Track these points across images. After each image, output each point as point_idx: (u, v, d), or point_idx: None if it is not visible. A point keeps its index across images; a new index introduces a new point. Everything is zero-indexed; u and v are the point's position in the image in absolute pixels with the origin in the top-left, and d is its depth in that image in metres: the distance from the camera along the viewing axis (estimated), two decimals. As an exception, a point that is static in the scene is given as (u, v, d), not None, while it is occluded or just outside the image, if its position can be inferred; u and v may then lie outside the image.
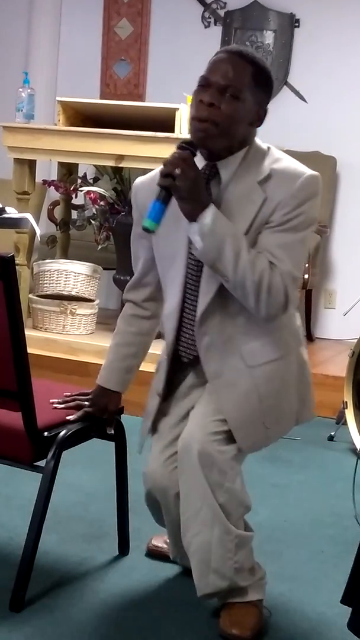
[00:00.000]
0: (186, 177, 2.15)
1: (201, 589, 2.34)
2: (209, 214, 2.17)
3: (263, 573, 2.45)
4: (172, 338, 2.42)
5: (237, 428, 2.31)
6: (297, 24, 6.00)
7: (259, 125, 2.31)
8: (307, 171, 2.26)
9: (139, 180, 2.48)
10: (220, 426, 2.30)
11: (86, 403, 2.54)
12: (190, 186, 2.16)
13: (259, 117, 2.28)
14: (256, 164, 2.27)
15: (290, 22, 5.99)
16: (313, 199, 2.24)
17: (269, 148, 2.33)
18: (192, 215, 2.18)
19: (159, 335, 2.55)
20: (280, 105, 6.04)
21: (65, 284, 4.85)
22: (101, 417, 2.55)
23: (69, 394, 2.60)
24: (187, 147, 2.22)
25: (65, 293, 4.85)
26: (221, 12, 6.17)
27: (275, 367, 2.33)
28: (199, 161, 2.28)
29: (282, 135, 5.53)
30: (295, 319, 2.42)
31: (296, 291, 2.29)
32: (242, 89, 2.21)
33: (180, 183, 2.15)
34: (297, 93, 6.02)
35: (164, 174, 2.17)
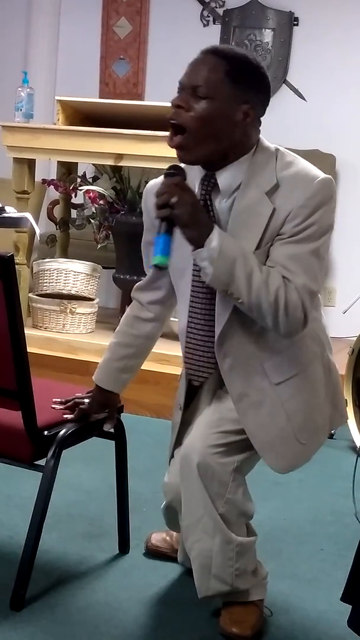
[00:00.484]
0: (184, 203, 2.05)
1: (202, 592, 2.34)
2: (215, 237, 2.06)
3: (265, 573, 2.45)
4: (183, 357, 2.39)
5: (264, 449, 2.28)
6: (296, 23, 6.00)
7: (251, 123, 2.13)
8: (319, 175, 2.11)
9: (150, 184, 2.37)
10: (222, 438, 2.26)
11: (86, 401, 2.54)
12: (190, 211, 2.05)
13: (247, 115, 2.11)
14: (262, 171, 2.14)
15: (289, 21, 5.99)
16: (325, 205, 2.10)
17: (277, 150, 2.20)
18: (199, 241, 2.07)
19: (164, 335, 2.54)
20: (279, 104, 6.04)
21: (65, 283, 4.85)
22: (97, 414, 2.54)
23: (79, 394, 2.60)
24: (174, 172, 2.11)
25: (65, 292, 4.85)
26: (220, 11, 6.17)
27: (301, 379, 2.26)
28: (199, 172, 2.20)
29: (281, 133, 5.53)
30: (317, 323, 2.30)
31: (315, 301, 2.16)
32: (213, 87, 2.06)
33: (180, 210, 2.04)
34: (296, 91, 6.02)
35: (160, 205, 2.06)
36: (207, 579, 2.32)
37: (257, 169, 2.15)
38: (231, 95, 2.08)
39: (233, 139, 2.12)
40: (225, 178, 2.16)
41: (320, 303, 2.31)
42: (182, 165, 2.16)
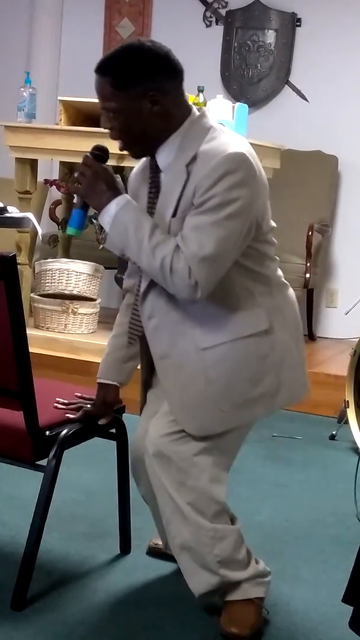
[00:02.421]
0: (83, 176, 2.26)
1: (195, 589, 2.36)
2: (113, 205, 2.23)
3: (262, 570, 2.44)
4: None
5: (178, 410, 2.31)
6: (298, 23, 6.00)
7: (164, 104, 2.19)
8: (229, 149, 2.16)
9: (133, 170, 2.49)
10: (175, 425, 2.31)
11: (88, 405, 2.55)
12: (88, 183, 2.26)
13: (154, 102, 2.19)
14: (191, 147, 2.22)
15: (292, 22, 5.99)
16: (227, 177, 2.13)
17: (211, 127, 2.25)
18: (98, 208, 2.26)
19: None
20: (281, 105, 6.05)
21: (66, 283, 4.85)
22: (101, 414, 2.55)
23: (79, 394, 2.61)
24: (94, 152, 2.30)
25: (66, 292, 4.85)
26: (223, 12, 6.17)
27: (229, 349, 2.27)
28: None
29: (283, 134, 5.54)
30: (270, 299, 2.33)
31: (214, 272, 2.17)
32: (111, 103, 2.21)
33: (80, 183, 2.28)
34: (298, 92, 6.02)
35: (74, 182, 2.23)
36: (195, 574, 2.35)
37: (187, 144, 2.24)
38: (128, 98, 2.20)
39: (157, 127, 2.23)
40: (161, 157, 2.28)
41: (274, 281, 2.35)
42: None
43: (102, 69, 2.22)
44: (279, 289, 2.37)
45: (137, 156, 2.34)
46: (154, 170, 2.32)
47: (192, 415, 2.31)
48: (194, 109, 2.29)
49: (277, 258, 2.40)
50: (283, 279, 2.41)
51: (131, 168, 3.64)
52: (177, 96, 2.24)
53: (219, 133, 2.23)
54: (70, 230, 2.35)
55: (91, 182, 2.26)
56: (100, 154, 2.31)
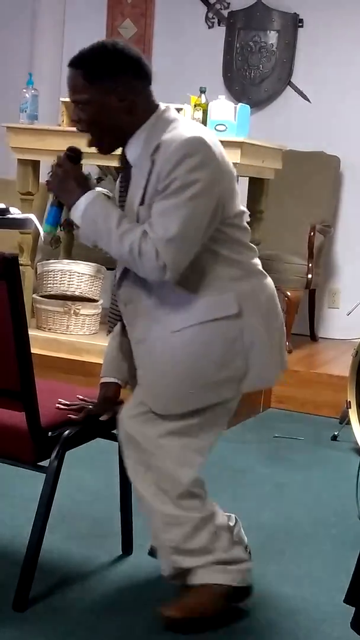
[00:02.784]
0: (54, 175, 2.41)
1: (163, 571, 2.44)
2: (82, 201, 2.34)
3: (234, 557, 2.42)
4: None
5: (145, 390, 2.38)
6: (300, 24, 5.99)
7: (130, 100, 2.30)
8: (186, 134, 2.25)
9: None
10: (143, 407, 2.37)
11: (90, 406, 2.55)
12: (58, 182, 2.40)
13: (122, 99, 2.30)
14: (155, 138, 2.31)
15: (294, 22, 5.99)
16: (186, 160, 2.22)
17: (173, 120, 2.34)
18: (69, 205, 2.38)
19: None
20: (283, 105, 6.05)
21: (69, 284, 4.85)
22: (101, 412, 2.55)
23: (80, 396, 2.61)
24: (67, 153, 2.43)
25: (69, 293, 4.86)
26: (225, 13, 6.17)
27: (197, 331, 2.32)
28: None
29: (285, 135, 5.54)
30: (243, 284, 2.37)
31: (181, 253, 2.23)
32: (82, 95, 2.31)
33: (51, 182, 2.43)
34: (300, 93, 6.02)
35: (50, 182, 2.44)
36: (160, 555, 2.42)
37: (152, 136, 2.32)
38: (98, 91, 2.30)
39: (123, 121, 2.33)
40: (129, 152, 2.38)
41: (249, 267, 2.40)
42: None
43: (76, 62, 2.34)
44: (255, 276, 2.42)
45: (105, 151, 2.42)
46: (124, 165, 2.42)
47: (158, 393, 2.36)
48: (161, 105, 2.38)
49: (254, 246, 2.46)
50: (260, 268, 2.45)
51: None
52: (144, 95, 2.35)
53: (179, 123, 2.33)
54: (46, 228, 2.47)
55: (62, 180, 2.40)
56: (73, 154, 2.43)
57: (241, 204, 2.42)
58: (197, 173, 2.23)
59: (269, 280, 2.48)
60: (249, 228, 2.44)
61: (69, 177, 2.39)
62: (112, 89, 2.30)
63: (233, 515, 2.63)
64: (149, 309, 2.37)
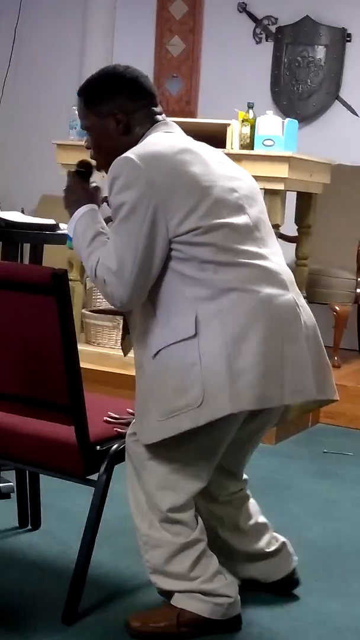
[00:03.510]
0: (65, 190, 2.47)
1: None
2: (76, 215, 2.41)
3: (213, 589, 2.38)
4: None
5: (136, 416, 2.37)
6: (348, 39, 5.98)
7: (127, 123, 2.36)
8: (121, 156, 2.27)
9: None
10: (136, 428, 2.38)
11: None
12: (65, 197, 2.46)
13: (118, 121, 2.37)
14: None
15: (342, 37, 5.98)
16: (114, 183, 2.25)
17: (146, 140, 2.35)
18: (70, 218, 2.45)
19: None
20: (332, 120, 6.04)
21: (117, 299, 4.87)
22: None
23: (130, 410, 2.62)
24: (77, 168, 2.49)
25: (117, 308, 4.88)
26: (272, 28, 6.18)
27: (161, 357, 2.26)
28: None
29: (333, 149, 5.52)
30: (210, 305, 2.22)
31: (124, 281, 2.22)
32: (85, 121, 2.42)
33: (63, 197, 2.48)
34: (348, 107, 6.00)
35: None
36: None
37: None
38: (97, 116, 2.38)
39: (122, 142, 2.37)
40: None
41: (218, 285, 2.22)
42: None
43: (79, 90, 2.44)
44: (231, 292, 2.23)
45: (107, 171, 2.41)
46: None
47: (139, 422, 2.35)
48: (161, 124, 2.41)
49: (240, 260, 2.26)
50: (245, 285, 2.24)
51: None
52: (141, 114, 2.39)
53: (142, 143, 2.33)
54: (68, 244, 2.50)
55: (67, 195, 2.46)
56: (81, 169, 2.49)
57: (227, 217, 2.27)
58: (122, 195, 2.24)
59: (248, 297, 2.24)
60: (215, 243, 2.24)
61: (71, 192, 2.45)
62: (108, 112, 2.37)
63: (282, 539, 2.62)
64: (141, 334, 2.35)
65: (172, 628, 2.38)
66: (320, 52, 6.06)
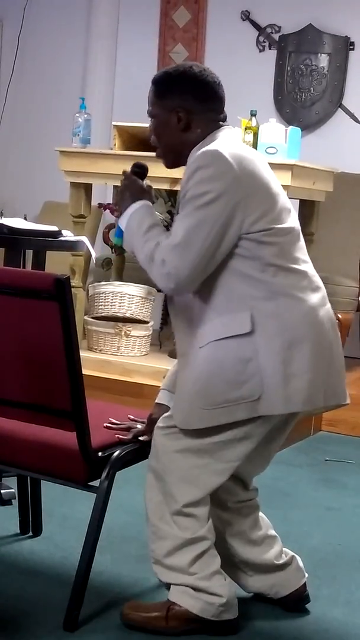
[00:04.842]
0: (119, 190, 2.52)
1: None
2: (130, 210, 2.44)
3: (198, 582, 2.40)
4: None
5: (174, 403, 2.42)
6: (352, 47, 6.00)
7: (188, 122, 2.41)
8: (206, 148, 2.34)
9: None
10: (169, 421, 2.42)
11: (139, 426, 2.57)
12: (120, 193, 2.50)
13: (179, 119, 2.41)
14: None
15: (345, 45, 5.99)
16: (198, 172, 2.30)
17: (216, 137, 2.40)
18: (121, 213, 2.49)
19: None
20: (335, 128, 6.04)
21: (120, 306, 4.88)
22: (146, 432, 2.56)
23: (132, 417, 2.64)
24: (133, 168, 2.55)
25: (119, 315, 4.88)
26: (276, 36, 6.19)
27: (213, 349, 2.33)
28: None
29: (336, 157, 5.53)
30: (268, 304, 2.32)
31: (186, 260, 2.28)
32: (152, 108, 2.47)
33: (117, 195, 2.54)
34: (351, 115, 6.01)
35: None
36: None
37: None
38: (162, 109, 2.44)
39: (180, 139, 2.44)
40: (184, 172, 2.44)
41: (278, 289, 2.32)
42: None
43: (154, 78, 2.50)
44: (285, 297, 2.34)
45: (167, 164, 2.52)
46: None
47: (180, 408, 2.39)
48: (226, 127, 2.45)
49: (297, 268, 2.38)
50: (297, 292, 2.36)
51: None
52: (204, 117, 2.43)
53: (216, 141, 2.37)
54: (116, 241, 2.54)
55: (122, 192, 2.50)
56: (137, 170, 2.54)
57: (289, 223, 2.39)
58: (207, 185, 2.29)
59: (309, 307, 2.37)
60: (288, 249, 2.37)
61: (127, 188, 2.49)
62: (173, 107, 2.41)
63: (291, 553, 2.62)
64: (186, 324, 2.41)
65: (161, 620, 2.42)
66: (323, 61, 6.07)
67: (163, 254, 2.31)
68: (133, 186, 2.50)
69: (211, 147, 2.34)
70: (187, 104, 2.41)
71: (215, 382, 2.33)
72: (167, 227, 4.73)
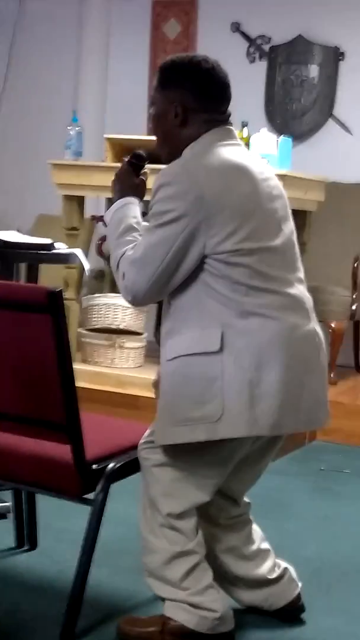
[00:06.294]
0: (113, 180, 2.49)
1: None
2: (115, 205, 2.44)
3: (191, 597, 2.39)
4: None
5: (156, 416, 2.39)
6: (341, 57, 6.02)
7: (184, 119, 2.37)
8: (175, 164, 2.32)
9: None
10: (150, 435, 2.42)
11: None
12: (112, 183, 2.49)
13: (176, 114, 2.37)
14: None
15: (335, 56, 6.02)
16: (161, 189, 2.28)
17: (203, 144, 2.35)
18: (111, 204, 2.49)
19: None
20: (325, 138, 6.07)
21: (113, 318, 4.89)
22: None
23: None
24: (130, 159, 2.51)
25: (113, 327, 4.89)
26: (266, 47, 6.22)
27: (180, 364, 2.30)
28: None
29: (327, 166, 5.55)
30: (239, 323, 2.25)
31: (143, 276, 2.27)
32: (153, 94, 2.44)
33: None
34: (342, 125, 6.03)
35: None
36: None
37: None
38: (162, 96, 2.41)
39: (175, 133, 2.40)
40: None
41: (249, 309, 2.26)
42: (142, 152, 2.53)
43: (161, 65, 2.47)
44: (257, 317, 2.26)
45: (163, 158, 2.45)
46: None
47: (156, 425, 2.39)
48: (216, 130, 2.38)
49: (272, 288, 2.29)
50: (271, 311, 2.27)
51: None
52: (201, 117, 2.38)
53: (198, 150, 2.34)
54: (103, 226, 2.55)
55: (114, 182, 2.50)
56: (134, 160, 2.51)
57: (269, 241, 2.30)
58: (168, 203, 2.26)
59: (281, 327, 2.28)
60: (252, 266, 2.26)
61: (118, 180, 2.49)
62: (172, 100, 2.38)
63: (284, 564, 2.61)
64: (166, 333, 2.39)
65: (157, 635, 2.41)
66: (313, 71, 6.10)
67: (124, 266, 2.32)
68: (124, 180, 2.49)
69: (179, 162, 2.31)
70: (186, 99, 2.37)
71: (178, 399, 2.30)
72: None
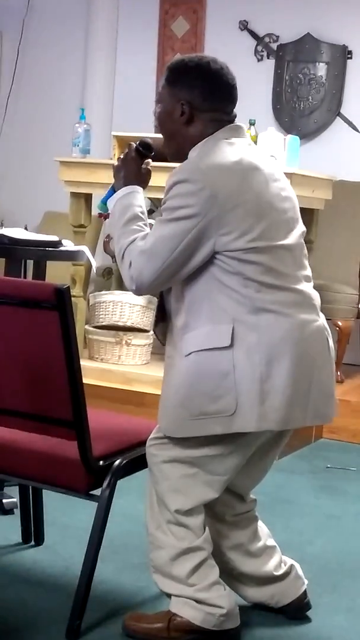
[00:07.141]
0: (115, 167, 2.49)
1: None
2: (120, 192, 2.44)
3: (197, 594, 2.39)
4: None
5: (159, 405, 2.41)
6: (349, 56, 6.02)
7: (190, 118, 2.38)
8: (191, 162, 2.32)
9: None
10: (158, 432, 2.43)
11: None
12: (117, 167, 2.49)
13: (183, 112, 2.39)
14: None
15: (343, 54, 6.02)
16: (176, 186, 2.29)
17: (214, 143, 2.36)
18: (115, 191, 2.48)
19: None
20: (333, 136, 6.06)
21: (120, 315, 4.89)
22: None
23: None
24: (137, 145, 2.50)
25: (120, 324, 4.89)
26: (274, 46, 6.22)
27: (194, 359, 2.32)
28: None
29: (335, 165, 5.54)
30: (249, 319, 2.28)
31: (151, 267, 2.29)
32: (160, 93, 2.44)
33: (115, 165, 2.51)
34: (350, 124, 6.03)
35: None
36: None
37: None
38: (169, 94, 2.42)
39: (181, 132, 2.41)
40: None
41: (260, 305, 2.28)
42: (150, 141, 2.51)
43: (169, 63, 2.48)
44: (268, 313, 2.29)
45: (169, 155, 2.48)
46: None
47: (163, 414, 2.40)
48: (226, 128, 2.40)
49: (286, 285, 2.32)
50: (282, 308, 2.31)
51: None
52: (208, 116, 2.39)
53: (210, 148, 2.34)
54: (99, 206, 2.54)
55: (119, 167, 2.48)
56: (142, 149, 2.50)
57: (282, 239, 2.33)
58: (183, 200, 2.28)
59: (292, 324, 2.31)
60: (265, 264, 2.29)
61: (124, 165, 2.48)
62: (179, 98, 2.39)
63: (290, 562, 2.62)
64: (176, 327, 2.39)
65: (163, 631, 2.42)
66: (321, 69, 6.10)
67: (132, 255, 2.32)
68: (129, 167, 2.48)
69: (194, 160, 2.33)
70: (193, 98, 2.38)
71: (193, 393, 2.32)
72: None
